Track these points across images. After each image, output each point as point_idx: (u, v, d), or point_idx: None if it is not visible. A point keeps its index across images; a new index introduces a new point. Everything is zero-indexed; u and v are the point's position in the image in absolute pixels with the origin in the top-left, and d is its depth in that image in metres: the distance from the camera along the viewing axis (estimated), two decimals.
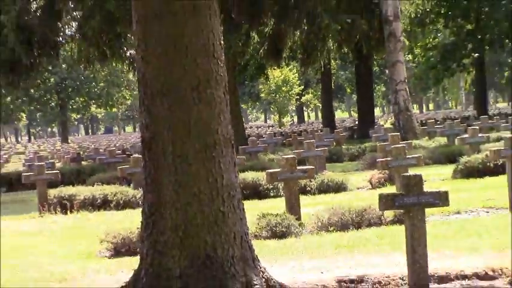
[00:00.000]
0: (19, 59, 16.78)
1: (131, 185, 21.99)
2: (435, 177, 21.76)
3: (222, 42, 8.81)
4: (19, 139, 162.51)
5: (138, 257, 8.99)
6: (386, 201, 8.85)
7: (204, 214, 8.55)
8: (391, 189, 17.80)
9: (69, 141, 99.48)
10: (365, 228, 13.51)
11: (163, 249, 8.54)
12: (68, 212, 19.51)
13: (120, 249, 12.89)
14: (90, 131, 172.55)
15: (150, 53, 8.76)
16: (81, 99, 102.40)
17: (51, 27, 31.38)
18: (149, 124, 8.68)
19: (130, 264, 9.64)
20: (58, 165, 39.35)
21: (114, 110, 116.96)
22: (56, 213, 19.42)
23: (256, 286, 8.38)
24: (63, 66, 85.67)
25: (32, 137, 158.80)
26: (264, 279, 8.62)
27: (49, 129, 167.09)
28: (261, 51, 41.16)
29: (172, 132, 8.63)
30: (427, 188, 9.22)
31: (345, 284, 9.43)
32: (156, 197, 8.62)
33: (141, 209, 8.99)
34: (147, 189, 8.77)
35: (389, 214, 13.67)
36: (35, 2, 35.10)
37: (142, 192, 8.98)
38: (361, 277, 9.68)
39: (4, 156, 58.19)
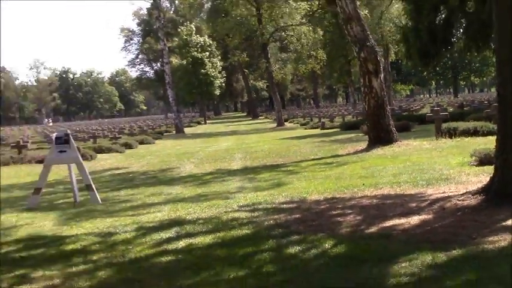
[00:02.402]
0: (428, 50, 16.06)
1: (491, 121, 20.11)
2: None
3: None
4: (431, 95, 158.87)
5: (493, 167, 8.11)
6: None
7: None
8: None
9: (458, 96, 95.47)
10: None
11: (510, 166, 7.42)
12: (453, 137, 18.29)
13: (483, 161, 11.77)
14: (471, 90, 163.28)
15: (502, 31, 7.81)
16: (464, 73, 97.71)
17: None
18: (502, 83, 7.54)
19: (489, 172, 8.59)
20: (450, 110, 37.49)
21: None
22: (445, 138, 18.44)
23: None
24: (455, 54, 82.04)
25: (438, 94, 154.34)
26: None
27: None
28: None
29: None
30: None
31: None
32: (504, 131, 7.53)
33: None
34: (499, 127, 7.79)
35: None
36: None
37: (497, 126, 7.90)
38: None
39: (420, 103, 57.01)
